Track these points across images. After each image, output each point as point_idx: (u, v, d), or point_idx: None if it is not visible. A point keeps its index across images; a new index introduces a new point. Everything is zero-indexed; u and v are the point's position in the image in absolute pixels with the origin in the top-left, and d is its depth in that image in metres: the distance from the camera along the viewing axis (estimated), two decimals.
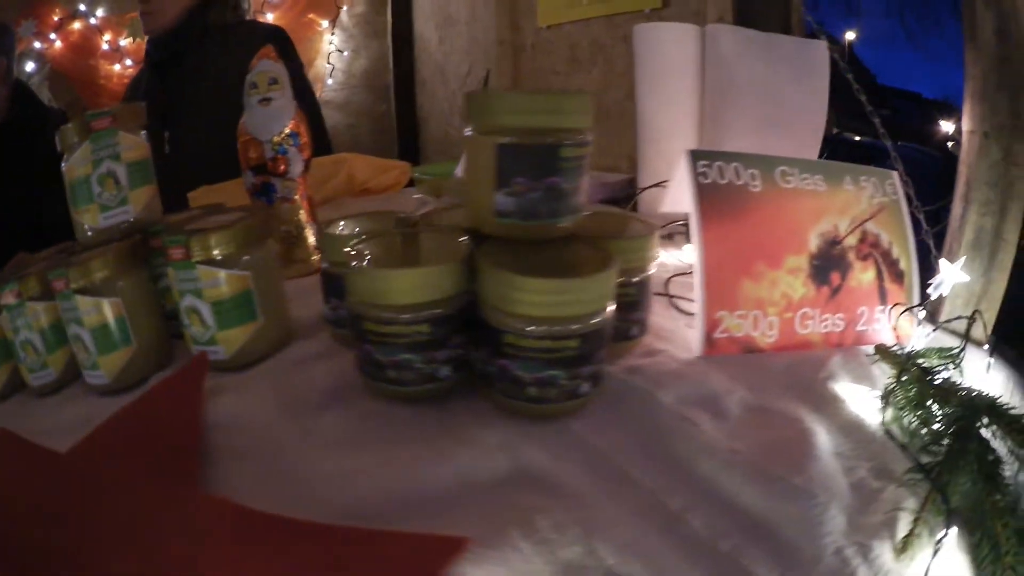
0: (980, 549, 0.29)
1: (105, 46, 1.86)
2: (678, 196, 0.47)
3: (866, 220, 0.51)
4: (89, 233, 0.44)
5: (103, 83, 1.87)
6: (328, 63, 1.87)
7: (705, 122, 0.70)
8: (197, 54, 1.02)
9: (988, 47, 0.53)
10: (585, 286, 0.33)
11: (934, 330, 0.50)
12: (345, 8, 1.90)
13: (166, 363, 0.44)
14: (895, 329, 0.49)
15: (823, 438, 0.35)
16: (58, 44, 1.78)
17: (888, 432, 0.36)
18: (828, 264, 0.48)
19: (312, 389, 0.38)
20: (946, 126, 0.62)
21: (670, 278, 0.54)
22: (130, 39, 1.89)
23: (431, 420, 0.35)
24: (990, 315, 0.57)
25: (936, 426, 0.37)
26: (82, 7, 1.83)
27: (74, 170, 0.43)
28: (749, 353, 0.45)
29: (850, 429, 0.37)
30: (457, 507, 0.28)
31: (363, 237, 0.41)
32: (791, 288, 0.46)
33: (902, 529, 0.29)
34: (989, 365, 0.48)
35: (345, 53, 1.90)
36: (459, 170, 1.04)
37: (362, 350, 0.36)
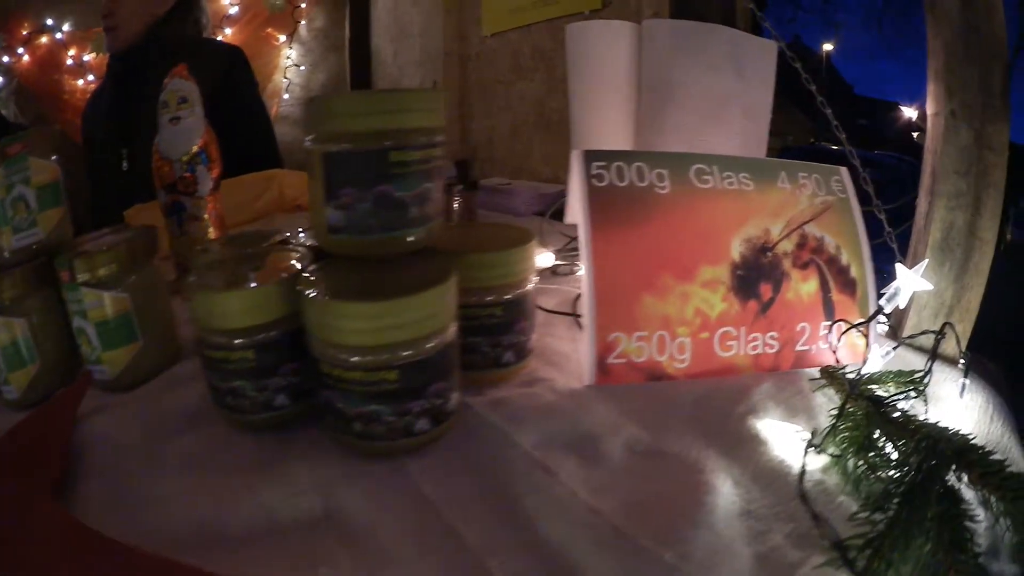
0: None
1: (70, 61, 1.98)
2: (574, 203, 0.44)
3: (806, 222, 0.48)
4: (6, 254, 0.45)
5: (67, 98, 2.00)
6: (285, 78, 1.92)
7: (642, 124, 0.68)
8: (157, 71, 1.06)
9: (951, 16, 0.51)
10: (399, 310, 0.30)
11: (894, 348, 0.45)
12: (304, 22, 1.96)
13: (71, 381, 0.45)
14: (835, 350, 0.45)
15: (727, 493, 0.31)
16: (25, 59, 1.90)
17: (802, 495, 0.31)
18: (756, 274, 0.45)
19: (174, 412, 0.39)
20: (908, 112, 0.59)
21: (578, 296, 0.51)
22: (94, 54, 1.99)
23: (269, 450, 0.35)
24: (965, 327, 0.52)
25: (892, 472, 0.32)
26: (49, 21, 1.95)
27: None
28: (655, 381, 0.41)
29: (768, 480, 0.32)
30: (254, 545, 0.28)
31: (207, 260, 0.40)
32: (707, 304, 0.43)
33: None
34: (964, 388, 0.44)
35: (303, 68, 1.96)
36: None
37: (206, 376, 0.36)
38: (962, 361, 0.47)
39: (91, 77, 1.99)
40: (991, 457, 0.30)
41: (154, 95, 0.99)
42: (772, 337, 0.44)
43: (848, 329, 0.45)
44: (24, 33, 1.94)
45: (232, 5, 1.87)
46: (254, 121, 1.23)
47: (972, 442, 0.32)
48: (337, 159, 0.34)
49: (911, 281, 0.44)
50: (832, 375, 0.43)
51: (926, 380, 0.40)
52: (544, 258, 0.68)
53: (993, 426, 0.42)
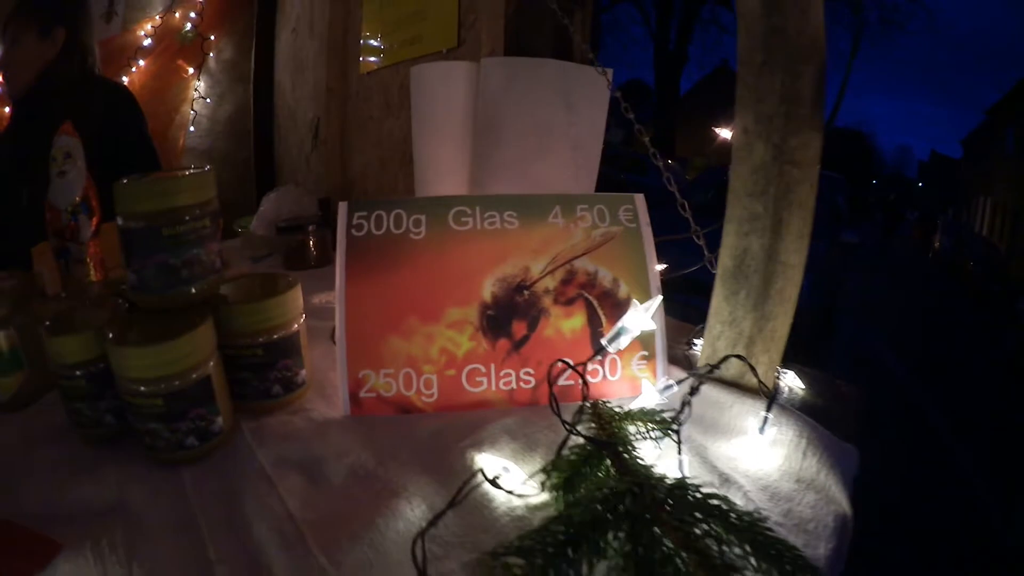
0: None
1: None
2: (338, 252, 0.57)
3: (576, 257, 0.60)
4: None
5: None
6: (192, 110, 2.10)
7: (474, 162, 0.82)
8: (51, 111, 1.25)
9: (754, 16, 0.52)
10: (159, 351, 0.45)
11: (667, 386, 0.54)
12: (212, 54, 2.15)
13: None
14: (581, 386, 0.56)
15: (414, 518, 0.42)
16: None
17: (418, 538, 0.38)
18: (508, 313, 0.57)
19: (43, 425, 0.56)
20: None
21: None
22: None
23: (100, 457, 0.51)
24: (772, 356, 0.57)
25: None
26: None
27: None
28: (405, 414, 0.53)
29: (466, 510, 0.42)
30: (68, 521, 0.43)
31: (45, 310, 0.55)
32: (453, 343, 0.55)
33: None
34: (765, 422, 0.50)
35: (208, 100, 2.14)
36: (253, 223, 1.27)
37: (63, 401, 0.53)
38: (767, 395, 0.53)
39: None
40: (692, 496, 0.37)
41: (47, 134, 1.18)
42: (527, 373, 0.56)
43: (564, 371, 0.55)
44: None
45: (146, 37, 2.07)
46: (141, 156, 1.43)
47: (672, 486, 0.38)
48: (126, 234, 0.50)
49: (637, 320, 0.54)
50: (594, 409, 0.53)
51: (679, 419, 0.48)
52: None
53: (806, 462, 0.48)
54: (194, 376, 0.47)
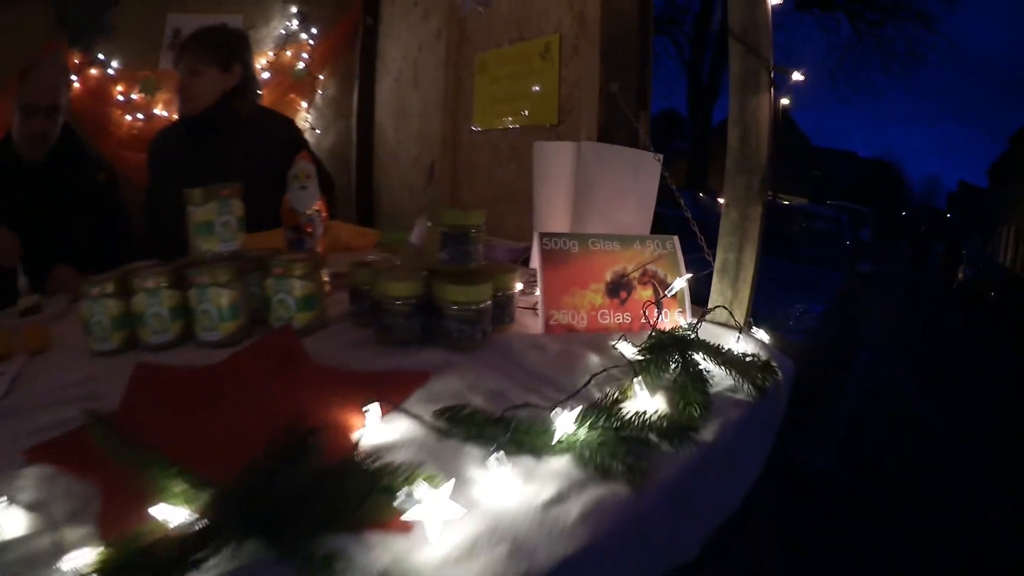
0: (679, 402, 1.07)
1: (120, 97, 2.86)
2: (535, 256, 1.32)
3: (646, 264, 1.36)
4: (209, 254, 1.28)
5: (113, 129, 2.90)
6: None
7: (576, 207, 1.57)
8: (228, 135, 1.94)
9: (734, 149, 1.37)
10: (466, 291, 1.17)
11: (698, 321, 1.31)
12: (320, 91, 2.94)
13: (252, 333, 1.26)
14: (653, 324, 1.32)
15: (592, 361, 1.16)
16: (76, 85, 2.72)
17: (630, 362, 1.17)
18: (617, 287, 1.32)
19: (345, 339, 1.22)
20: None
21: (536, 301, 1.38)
22: (141, 94, 2.90)
23: (416, 350, 1.17)
24: (740, 311, 1.38)
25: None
26: (100, 56, 2.84)
27: (199, 216, 1.28)
28: (571, 332, 1.27)
29: (611, 358, 1.17)
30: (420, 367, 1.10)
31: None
32: (594, 299, 1.29)
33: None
34: (739, 338, 1.28)
35: (318, 131, 2.92)
36: (411, 237, 1.96)
37: (376, 319, 1.20)
38: (739, 327, 1.31)
39: (140, 115, 2.89)
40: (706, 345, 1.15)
41: (225, 154, 2.01)
42: (627, 315, 1.31)
43: (647, 306, 1.31)
44: (76, 62, 2.79)
45: (264, 70, 2.84)
46: (323, 177, 2.14)
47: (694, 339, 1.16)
48: (446, 234, 1.22)
49: (680, 283, 1.31)
50: (660, 333, 1.28)
51: (697, 327, 1.25)
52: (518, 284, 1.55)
53: (759, 352, 1.22)
54: (481, 306, 1.16)
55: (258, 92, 2.17)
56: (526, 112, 1.96)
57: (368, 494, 0.65)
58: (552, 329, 1.27)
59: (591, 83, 1.73)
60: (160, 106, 2.95)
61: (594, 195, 1.55)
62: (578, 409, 0.85)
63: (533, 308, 1.36)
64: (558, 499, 0.73)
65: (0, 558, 0.61)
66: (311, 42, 3.00)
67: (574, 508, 0.72)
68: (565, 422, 0.82)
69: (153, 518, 0.60)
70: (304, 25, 3.14)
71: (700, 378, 1.05)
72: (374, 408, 0.85)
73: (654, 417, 0.89)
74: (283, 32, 3.02)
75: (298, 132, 2.13)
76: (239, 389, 1.01)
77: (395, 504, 0.64)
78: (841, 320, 5.27)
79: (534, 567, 0.63)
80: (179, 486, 0.63)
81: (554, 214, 1.62)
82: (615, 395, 0.95)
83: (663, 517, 0.81)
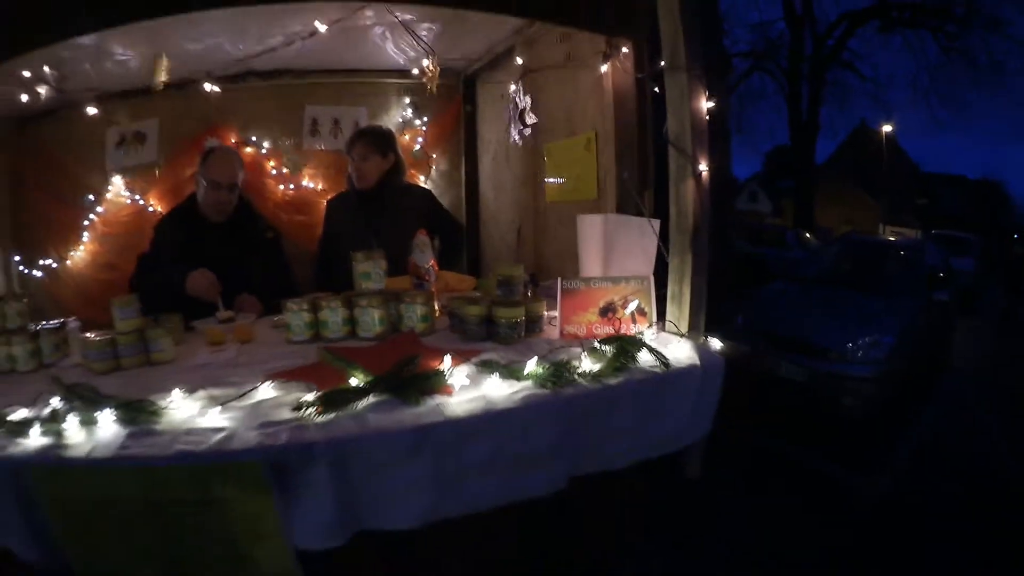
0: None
1: (272, 170, 4.02)
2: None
3: (627, 295, 2.15)
4: (367, 290, 2.25)
5: (268, 195, 4.00)
6: None
7: (605, 257, 2.38)
8: (390, 203, 2.92)
9: (673, 218, 2.17)
10: (508, 312, 2.03)
11: (659, 330, 2.09)
12: (434, 167, 3.96)
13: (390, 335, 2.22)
14: (627, 330, 2.11)
15: (573, 351, 1.98)
16: None
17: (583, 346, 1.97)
18: (607, 310, 2.13)
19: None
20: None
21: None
22: (286, 169, 4.04)
23: (478, 344, 2.06)
24: (683, 323, 2.16)
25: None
26: (253, 137, 3.99)
27: (361, 268, 2.25)
28: (575, 338, 2.09)
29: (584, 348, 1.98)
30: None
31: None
32: (591, 318, 2.12)
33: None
34: (679, 340, 2.07)
35: None
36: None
37: (460, 327, 2.13)
38: (682, 334, 2.11)
39: (291, 186, 4.04)
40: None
41: (387, 219, 3.08)
42: (610, 328, 2.12)
43: (630, 309, 2.10)
44: (232, 141, 3.86)
45: None
46: (455, 225, 3.05)
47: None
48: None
49: (632, 305, 2.10)
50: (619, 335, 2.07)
51: (643, 333, 2.04)
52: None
53: (693, 352, 2.02)
54: (517, 320, 2.03)
55: (407, 171, 3.15)
56: (577, 189, 2.81)
57: (438, 379, 1.56)
58: (564, 336, 2.10)
59: (612, 171, 2.54)
60: (306, 179, 4.04)
61: (614, 250, 2.36)
62: (537, 359, 1.73)
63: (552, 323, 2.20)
64: (518, 391, 1.62)
65: (269, 406, 1.55)
66: (424, 127, 4.00)
67: (523, 394, 1.61)
68: (531, 364, 1.70)
69: (347, 383, 1.54)
70: (417, 113, 4.06)
71: (624, 355, 1.85)
72: (447, 359, 1.73)
73: (582, 369, 1.75)
74: (401, 120, 4.07)
75: (434, 199, 3.13)
76: (385, 350, 1.96)
77: (447, 381, 1.55)
78: (913, 351, 5.47)
79: (495, 407, 1.54)
80: (359, 372, 1.56)
81: (591, 263, 2.45)
82: (566, 358, 1.81)
83: (575, 419, 1.65)
